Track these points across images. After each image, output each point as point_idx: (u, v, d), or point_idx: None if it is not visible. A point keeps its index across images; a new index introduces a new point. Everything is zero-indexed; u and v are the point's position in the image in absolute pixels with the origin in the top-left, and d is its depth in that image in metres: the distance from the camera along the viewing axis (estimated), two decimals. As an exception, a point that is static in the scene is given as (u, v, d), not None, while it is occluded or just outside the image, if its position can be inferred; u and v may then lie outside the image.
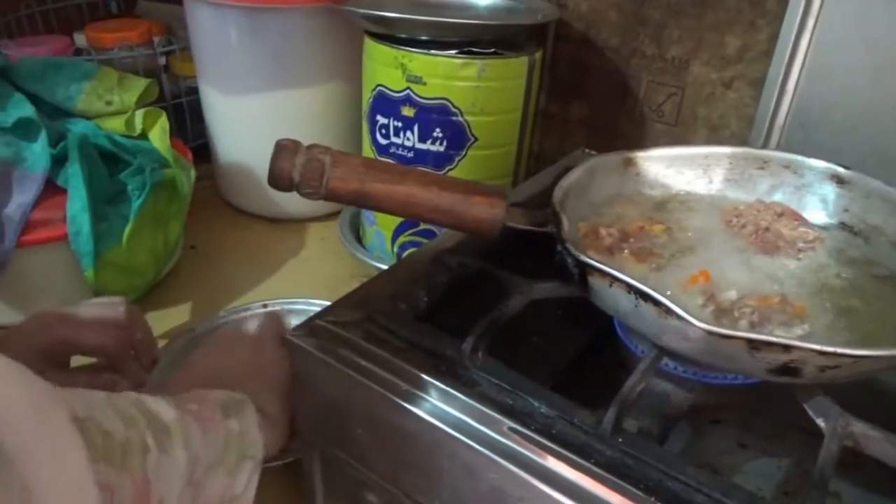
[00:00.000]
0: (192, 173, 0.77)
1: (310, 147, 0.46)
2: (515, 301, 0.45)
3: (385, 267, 0.70)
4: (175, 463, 0.36)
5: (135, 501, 0.32)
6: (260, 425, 0.45)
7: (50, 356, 0.50)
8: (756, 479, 0.41)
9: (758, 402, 0.45)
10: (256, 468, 0.44)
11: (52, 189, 0.68)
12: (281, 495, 0.54)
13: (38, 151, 0.70)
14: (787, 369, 0.35)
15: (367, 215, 0.79)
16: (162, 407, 0.37)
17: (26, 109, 0.71)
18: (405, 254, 0.75)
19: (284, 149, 0.45)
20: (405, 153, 0.71)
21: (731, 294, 0.42)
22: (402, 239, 0.75)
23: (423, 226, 0.74)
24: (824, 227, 0.50)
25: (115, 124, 0.77)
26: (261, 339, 0.52)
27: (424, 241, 0.73)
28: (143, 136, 0.78)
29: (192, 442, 0.38)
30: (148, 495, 0.33)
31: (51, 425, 0.28)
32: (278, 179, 0.45)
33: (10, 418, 0.26)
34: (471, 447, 0.37)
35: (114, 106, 0.78)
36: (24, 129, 0.71)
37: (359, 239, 0.83)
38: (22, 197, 0.67)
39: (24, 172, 0.69)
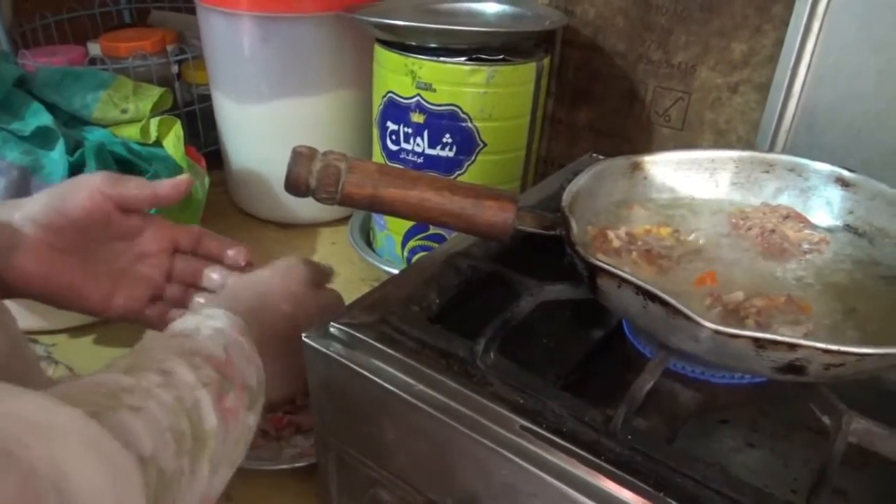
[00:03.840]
0: (206, 180, 0.78)
1: (326, 153, 0.47)
2: (526, 303, 0.46)
3: (395, 271, 0.71)
4: (198, 480, 0.35)
5: None
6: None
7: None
8: (763, 478, 0.42)
9: (765, 401, 0.46)
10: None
11: (69, 196, 0.70)
12: (297, 495, 0.55)
13: (55, 159, 0.71)
14: (793, 367, 0.36)
15: (378, 220, 0.80)
16: (208, 412, 0.37)
17: (44, 118, 0.73)
18: (416, 258, 0.76)
19: (301, 155, 0.46)
20: (415, 159, 0.72)
21: (738, 295, 0.42)
22: (412, 243, 0.76)
23: (432, 230, 0.75)
24: (829, 230, 0.51)
25: (131, 132, 0.78)
26: (288, 288, 0.51)
27: (434, 245, 0.74)
28: (158, 143, 0.79)
29: (218, 450, 0.37)
30: None
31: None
32: (295, 185, 0.46)
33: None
34: (483, 445, 0.37)
35: (129, 114, 0.79)
36: (42, 138, 0.72)
37: (369, 243, 0.84)
38: (41, 204, 0.68)
39: (43, 180, 0.70)
